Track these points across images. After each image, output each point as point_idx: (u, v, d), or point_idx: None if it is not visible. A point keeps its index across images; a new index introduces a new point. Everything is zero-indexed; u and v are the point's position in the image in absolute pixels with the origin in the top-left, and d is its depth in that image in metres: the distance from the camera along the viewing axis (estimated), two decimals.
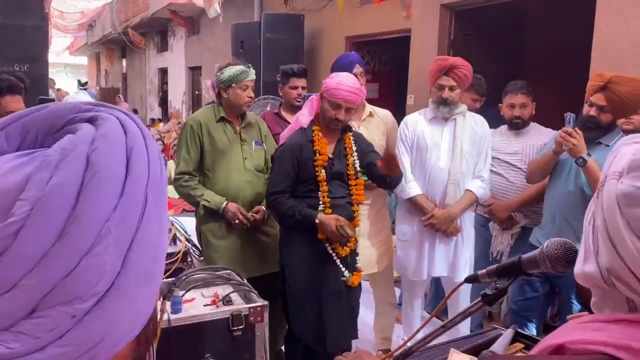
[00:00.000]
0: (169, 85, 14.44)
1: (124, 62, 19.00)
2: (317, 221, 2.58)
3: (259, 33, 6.76)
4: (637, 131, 3.00)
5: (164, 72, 14.86)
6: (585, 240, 0.72)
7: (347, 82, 2.62)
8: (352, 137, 2.76)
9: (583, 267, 0.70)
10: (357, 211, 2.74)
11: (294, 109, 3.54)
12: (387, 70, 7.08)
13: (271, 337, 2.27)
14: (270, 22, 6.79)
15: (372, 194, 3.20)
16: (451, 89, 2.92)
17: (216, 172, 2.94)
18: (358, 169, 2.72)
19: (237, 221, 2.87)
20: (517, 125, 3.27)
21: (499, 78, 4.21)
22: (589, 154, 2.54)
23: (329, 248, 2.66)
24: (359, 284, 2.87)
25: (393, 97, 6.71)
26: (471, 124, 3.02)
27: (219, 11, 6.74)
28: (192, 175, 2.92)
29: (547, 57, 5.65)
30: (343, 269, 2.68)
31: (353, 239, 2.70)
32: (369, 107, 3.30)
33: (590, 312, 0.75)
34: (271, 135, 3.20)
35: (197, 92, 12.62)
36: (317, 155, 2.65)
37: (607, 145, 2.62)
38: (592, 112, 2.62)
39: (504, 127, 3.39)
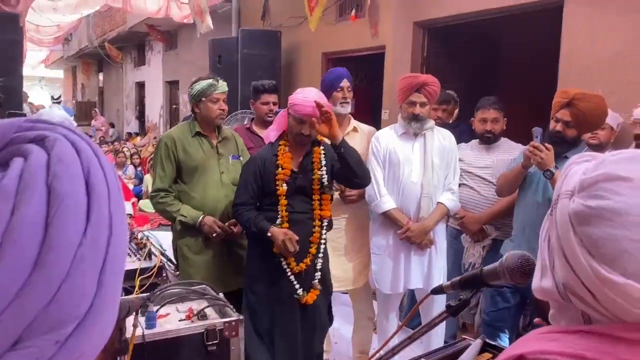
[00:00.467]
0: (146, 99, 14.36)
1: (101, 75, 18.84)
2: (269, 234, 2.60)
3: (237, 48, 6.79)
4: (603, 146, 3.11)
5: (141, 86, 14.77)
6: (541, 257, 0.74)
7: (309, 97, 2.62)
8: (321, 151, 2.77)
9: (540, 283, 0.73)
10: (317, 226, 2.74)
11: (266, 124, 3.57)
12: (363, 85, 7.17)
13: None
14: (248, 38, 6.84)
15: (349, 208, 3.23)
16: (422, 105, 3.00)
17: (193, 186, 2.95)
18: (325, 183, 2.73)
19: (214, 234, 2.89)
20: (488, 140, 3.36)
21: (470, 94, 4.31)
22: (556, 167, 2.62)
23: (283, 263, 2.67)
24: (325, 300, 2.87)
25: (369, 112, 6.79)
26: (439, 138, 3.09)
27: (211, 26, 6.73)
28: (167, 191, 2.93)
29: (517, 74, 5.80)
30: (297, 285, 2.69)
31: (310, 255, 2.71)
32: (353, 122, 3.35)
33: (549, 323, 0.78)
34: (247, 149, 3.22)
35: (174, 106, 12.57)
36: (280, 169, 2.67)
37: None
38: (558, 127, 2.71)
39: (475, 142, 3.47)
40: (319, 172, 2.73)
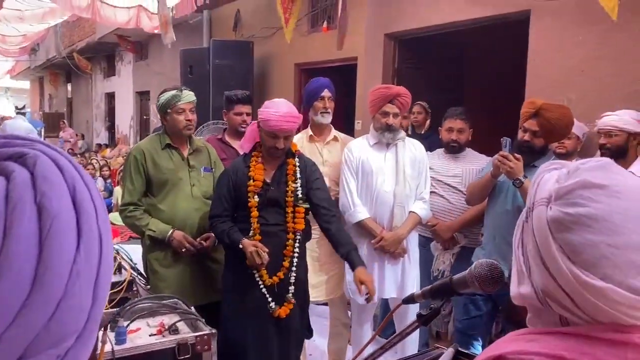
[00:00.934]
0: (116, 110, 14.18)
1: (69, 86, 18.52)
2: (240, 246, 2.59)
3: (208, 59, 6.77)
4: (569, 155, 3.19)
5: (111, 96, 14.58)
6: (516, 263, 0.75)
7: (280, 111, 2.59)
8: (296, 163, 2.75)
9: (519, 289, 0.74)
10: (291, 239, 2.71)
11: (239, 134, 3.55)
12: (337, 96, 7.21)
13: None
14: (219, 48, 6.82)
15: None
16: (395, 116, 3.04)
17: (163, 199, 2.90)
18: (299, 196, 2.71)
19: (183, 250, 2.84)
20: (453, 149, 3.41)
21: (441, 105, 4.37)
22: (525, 176, 2.67)
23: (256, 275, 2.65)
24: (302, 312, 2.85)
25: (341, 122, 6.83)
26: (410, 148, 3.13)
27: (174, 38, 6.70)
28: (136, 205, 2.88)
29: (485, 85, 5.90)
30: (270, 299, 2.66)
31: (283, 268, 2.69)
32: (334, 132, 3.37)
33: (516, 329, 0.79)
34: (220, 161, 3.19)
35: (145, 117, 12.44)
36: (251, 181, 2.66)
37: None
38: (526, 137, 2.76)
39: (440, 150, 3.52)
40: (293, 185, 2.70)
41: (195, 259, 2.92)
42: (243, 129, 3.54)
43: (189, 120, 2.92)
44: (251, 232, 2.65)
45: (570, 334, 0.68)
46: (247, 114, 3.57)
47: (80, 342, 0.47)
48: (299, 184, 2.71)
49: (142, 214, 2.87)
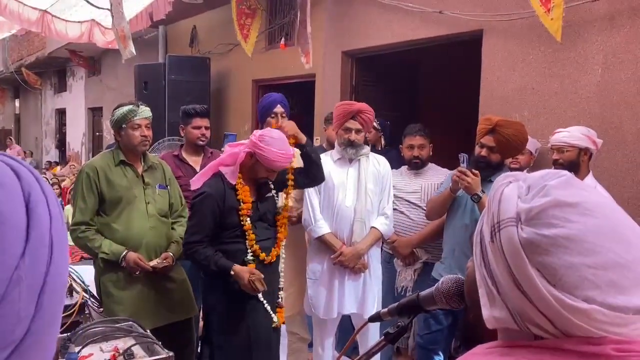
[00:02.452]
0: (67, 127, 13.77)
1: (17, 102, 17.94)
2: (232, 273, 2.52)
3: (164, 74, 6.67)
4: (523, 170, 3.27)
5: (62, 113, 14.17)
6: (483, 284, 0.72)
7: (288, 153, 2.56)
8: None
9: (492, 312, 0.70)
10: (282, 247, 2.75)
11: (197, 149, 3.49)
12: (294, 112, 7.20)
13: None
14: (175, 64, 6.73)
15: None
16: (357, 132, 3.06)
17: (117, 218, 2.80)
18: (280, 205, 2.77)
19: (137, 272, 2.74)
20: (416, 165, 3.44)
21: (397, 122, 4.43)
22: (482, 191, 2.72)
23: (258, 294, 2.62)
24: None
25: None
26: (374, 163, 3.15)
27: (134, 52, 6.56)
28: (89, 225, 2.76)
29: (442, 102, 6.02)
30: (272, 314, 2.66)
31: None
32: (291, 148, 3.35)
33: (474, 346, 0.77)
34: (175, 178, 3.12)
35: (98, 134, 12.12)
36: (241, 204, 2.59)
37: None
38: (483, 152, 2.82)
39: (404, 168, 3.55)
40: (276, 197, 2.75)
41: (151, 280, 2.83)
42: (202, 143, 3.50)
43: (144, 136, 2.84)
44: (250, 254, 2.59)
45: (542, 347, 0.66)
46: (206, 128, 3.52)
47: (18, 356, 0.44)
48: (277, 195, 2.76)
49: (94, 234, 2.76)
